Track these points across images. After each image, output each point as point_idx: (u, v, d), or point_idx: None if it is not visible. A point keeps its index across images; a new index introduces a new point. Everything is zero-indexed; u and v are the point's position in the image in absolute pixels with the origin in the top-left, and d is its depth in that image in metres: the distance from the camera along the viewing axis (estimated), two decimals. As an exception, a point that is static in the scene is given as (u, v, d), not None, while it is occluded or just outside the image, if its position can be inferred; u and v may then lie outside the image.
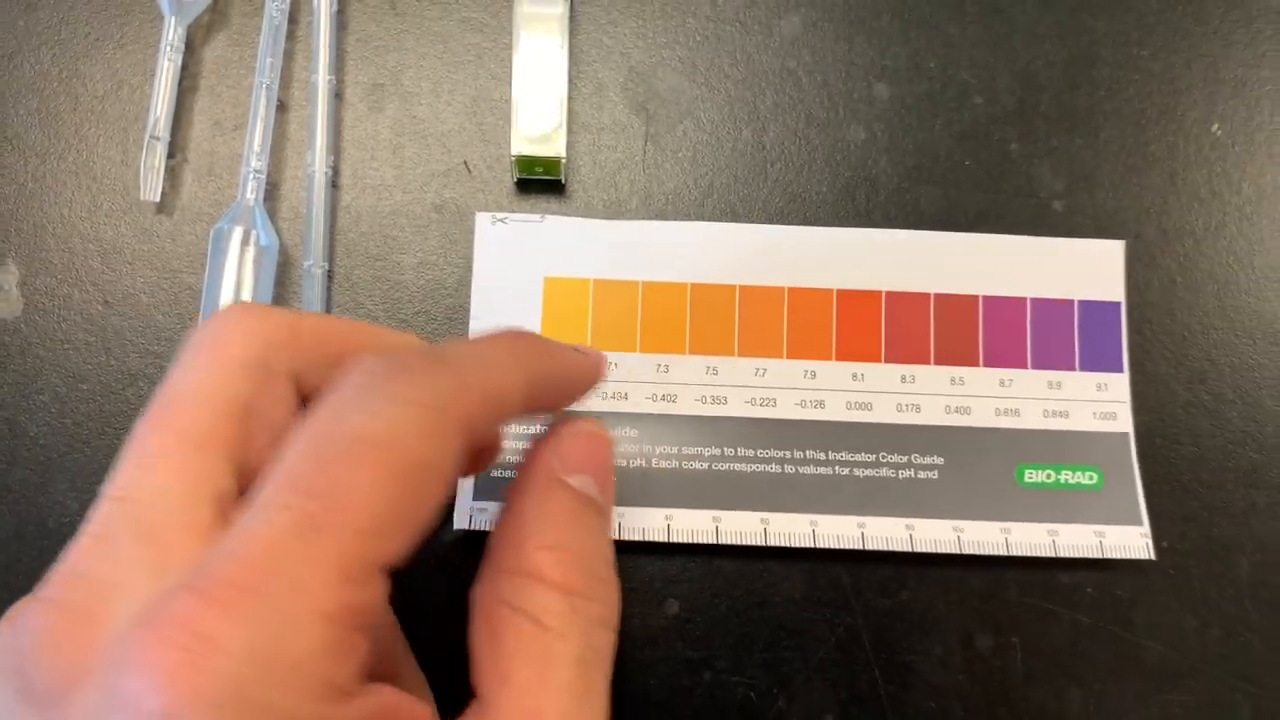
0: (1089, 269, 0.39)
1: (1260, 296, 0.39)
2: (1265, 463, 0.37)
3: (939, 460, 0.36)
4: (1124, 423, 0.37)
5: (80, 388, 0.36)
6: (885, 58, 0.40)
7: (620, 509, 0.35)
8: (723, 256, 0.38)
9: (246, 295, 0.35)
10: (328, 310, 0.37)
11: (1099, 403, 0.37)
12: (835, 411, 0.37)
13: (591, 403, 0.36)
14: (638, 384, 0.37)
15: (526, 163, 0.37)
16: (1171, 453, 0.37)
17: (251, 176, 0.36)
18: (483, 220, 0.38)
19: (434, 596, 0.35)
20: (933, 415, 0.37)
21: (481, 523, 0.35)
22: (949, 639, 0.35)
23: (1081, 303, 0.38)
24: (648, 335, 0.37)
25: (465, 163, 0.38)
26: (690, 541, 0.35)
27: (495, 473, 0.35)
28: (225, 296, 0.35)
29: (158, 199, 0.37)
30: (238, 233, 0.36)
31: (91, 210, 0.37)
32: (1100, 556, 0.36)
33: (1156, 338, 0.38)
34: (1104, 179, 0.39)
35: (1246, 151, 0.40)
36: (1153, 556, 0.35)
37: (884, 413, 0.37)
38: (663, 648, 0.35)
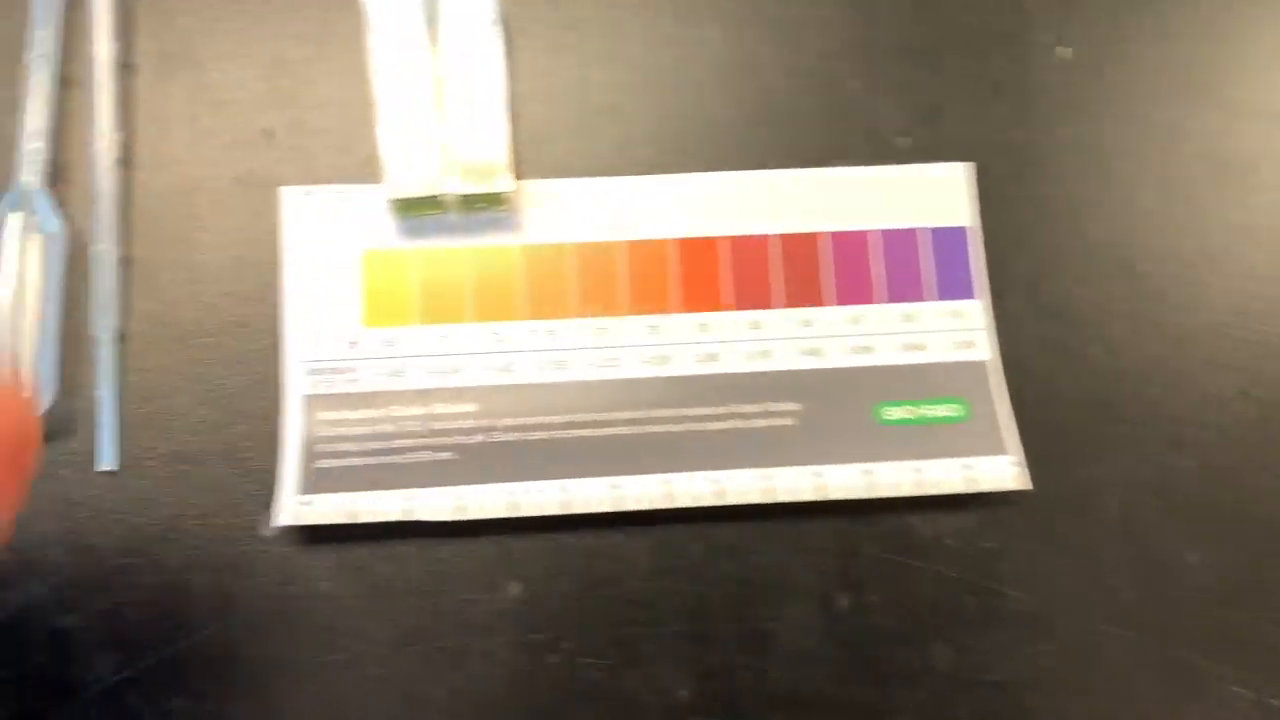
0: (935, 195, 0.37)
1: (1113, 226, 0.37)
2: (1126, 397, 0.36)
3: (795, 406, 0.35)
4: (983, 350, 0.36)
5: None
6: (723, 2, 0.38)
7: (462, 489, 0.33)
8: (552, 213, 0.36)
9: (32, 286, 0.32)
10: (125, 299, 0.34)
11: (956, 331, 0.36)
12: (683, 366, 0.35)
13: (423, 379, 0.34)
14: (472, 355, 0.34)
15: (466, 199, 0.35)
16: (1032, 389, 0.36)
17: (29, 157, 0.33)
18: (290, 194, 0.35)
19: (261, 602, 0.32)
20: (785, 360, 0.35)
21: (309, 518, 0.32)
22: (806, 602, 0.34)
23: (931, 230, 0.37)
24: (479, 303, 0.35)
25: (266, 131, 0.36)
26: (539, 514, 0.33)
27: (325, 463, 0.33)
28: (3, 290, 0.32)
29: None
30: (14, 219, 0.33)
31: None
32: (969, 491, 0.34)
33: (1013, 269, 0.37)
34: (950, 112, 0.38)
35: (1095, 75, 0.39)
36: (1029, 486, 0.34)
37: (733, 362, 0.35)
38: (505, 633, 0.33)
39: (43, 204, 0.33)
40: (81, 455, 0.33)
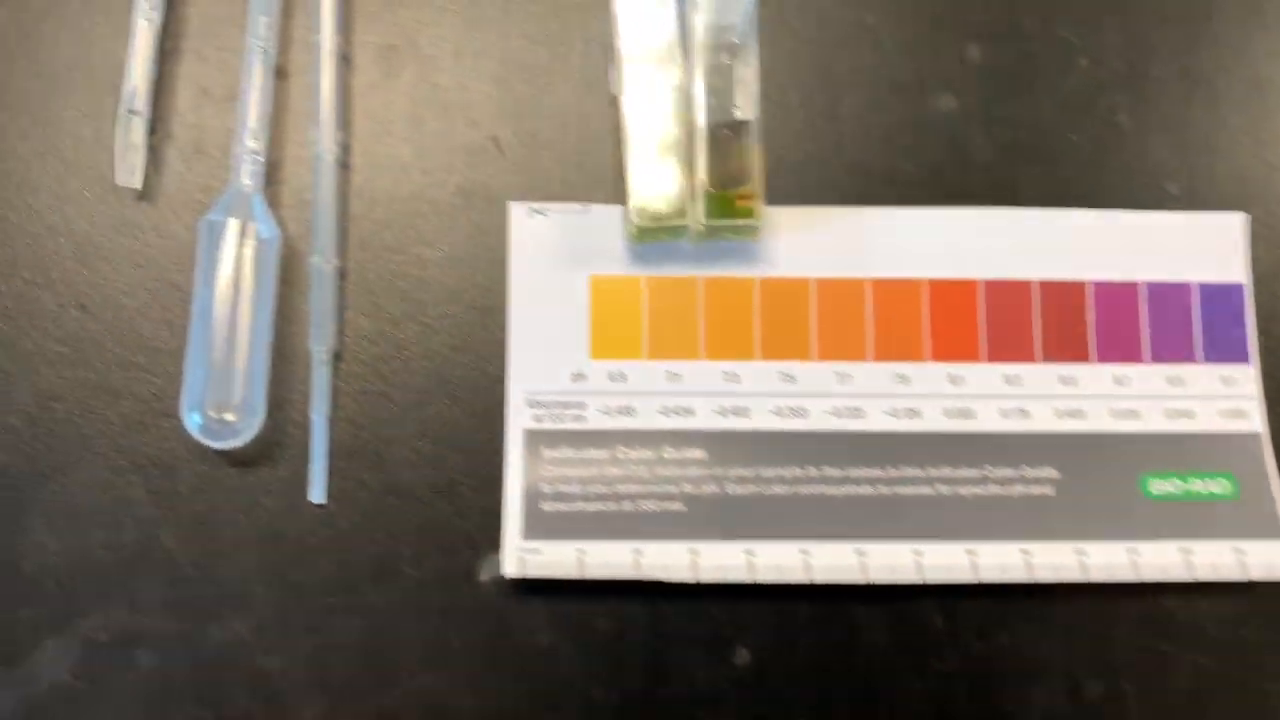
0: (1207, 247, 0.34)
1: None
2: None
3: (1053, 473, 0.32)
4: (1255, 421, 0.33)
5: (53, 407, 0.30)
6: (978, 13, 0.35)
7: (693, 544, 0.30)
8: (795, 246, 0.33)
9: (246, 298, 0.30)
10: (340, 316, 0.31)
11: (1226, 399, 0.33)
12: (932, 420, 0.32)
13: (652, 419, 0.31)
14: (704, 396, 0.32)
15: (712, 228, 0.32)
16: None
17: (247, 158, 0.31)
18: (518, 211, 0.32)
19: (477, 652, 0.30)
20: (1043, 421, 0.32)
21: (536, 568, 0.30)
22: (1054, 687, 0.31)
23: (1201, 286, 0.33)
24: (713, 339, 0.32)
25: (495, 139, 0.33)
26: (778, 582, 0.30)
27: (550, 506, 0.30)
28: (220, 300, 0.30)
29: (138, 184, 0.31)
30: (232, 225, 0.30)
31: (60, 199, 0.32)
32: (1243, 579, 0.31)
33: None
34: (1225, 152, 0.34)
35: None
36: (1304, 575, 0.31)
37: (988, 420, 0.32)
38: (732, 705, 0.30)
39: (260, 209, 0.31)
40: (289, 484, 0.30)
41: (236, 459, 0.30)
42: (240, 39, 0.32)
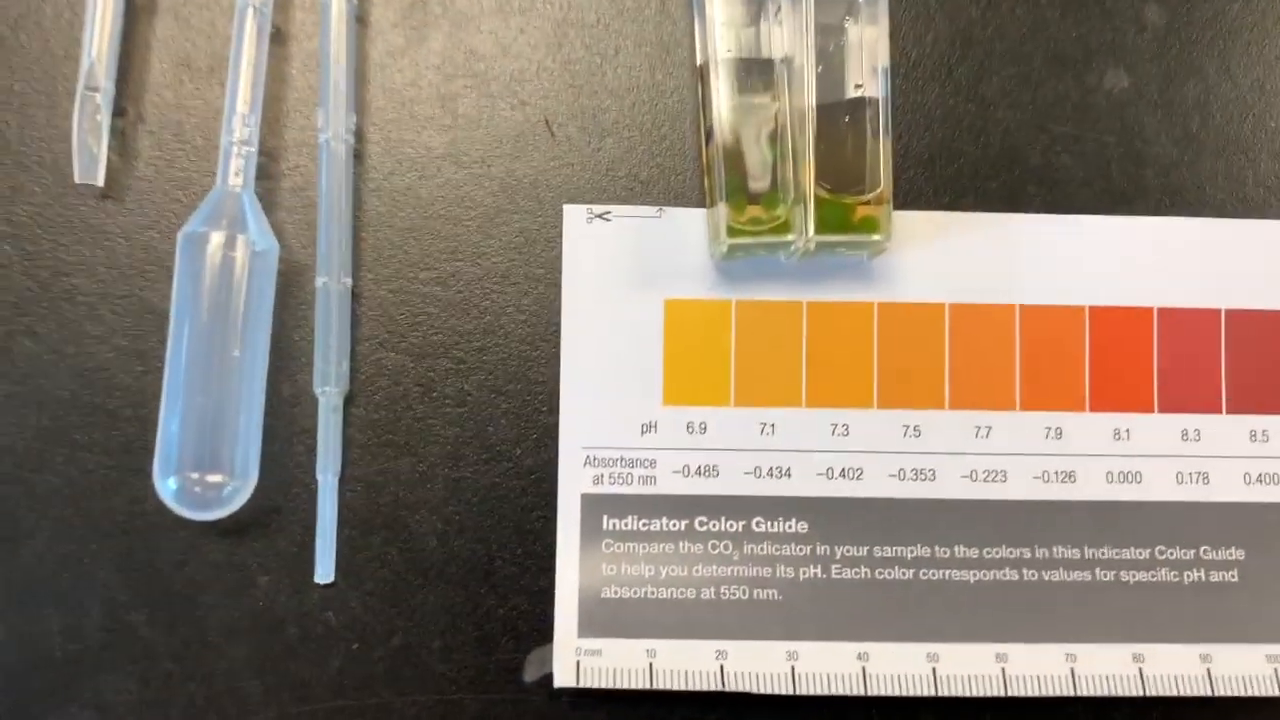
0: None
1: None
2: None
3: (1239, 554, 0.25)
4: None
5: None
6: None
7: (793, 645, 0.24)
8: (924, 262, 0.26)
9: (235, 328, 0.24)
10: (353, 349, 0.25)
11: None
12: (1092, 486, 0.26)
13: (740, 482, 0.25)
14: (806, 454, 0.25)
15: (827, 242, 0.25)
16: None
17: (236, 149, 0.24)
18: (575, 215, 0.26)
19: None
20: (1228, 487, 0.26)
21: (594, 675, 0.24)
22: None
23: None
24: (818, 381, 0.25)
25: (547, 121, 0.26)
26: (896, 694, 0.24)
27: (613, 593, 0.24)
28: (203, 331, 0.23)
29: (99, 181, 0.25)
30: (217, 239, 0.24)
31: (8, 198, 0.25)
32: None
33: None
34: None
35: None
36: None
37: (1159, 486, 0.26)
38: None
39: (252, 214, 0.24)
40: (290, 559, 0.25)
41: (226, 528, 0.25)
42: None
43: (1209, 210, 0.27)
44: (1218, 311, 0.26)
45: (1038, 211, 0.26)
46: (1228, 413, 0.26)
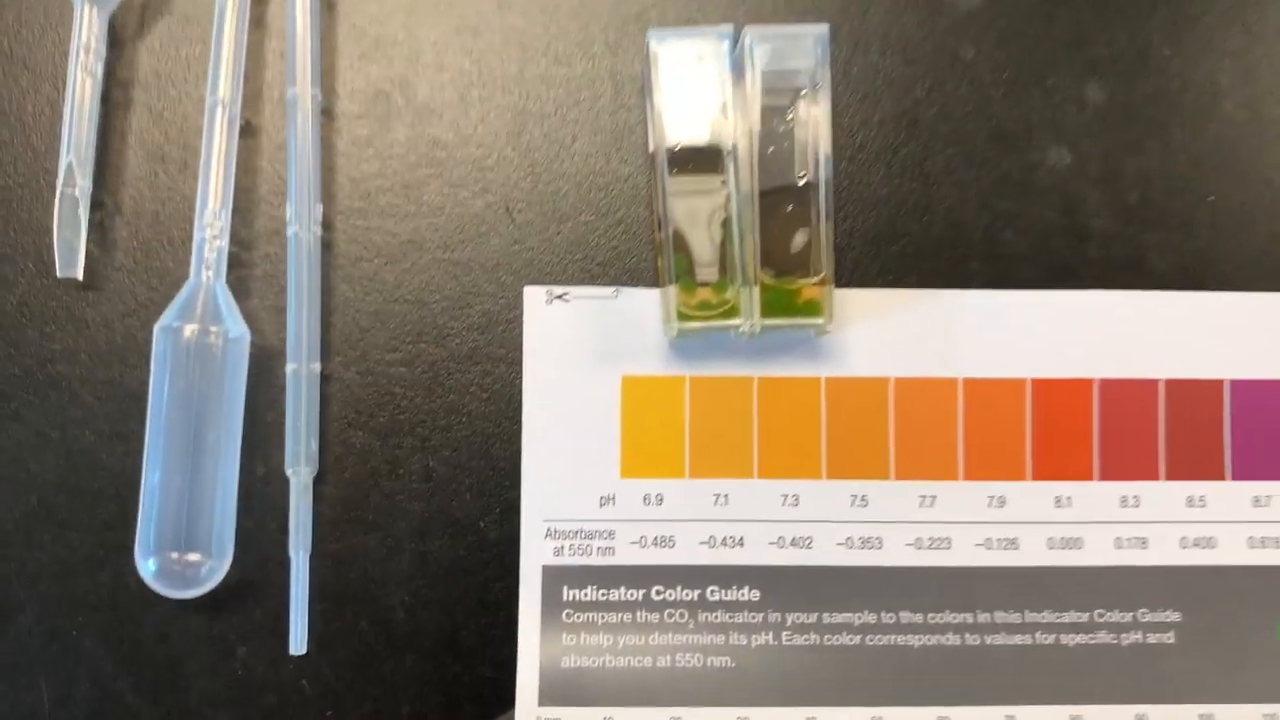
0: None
1: None
2: None
3: (1174, 616, 0.26)
4: None
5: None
6: (1100, 44, 0.28)
7: (746, 711, 0.25)
8: (870, 337, 0.27)
9: (210, 415, 0.25)
10: (323, 431, 0.26)
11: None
12: (1032, 552, 0.27)
13: (695, 552, 0.26)
14: (758, 524, 0.26)
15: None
16: None
17: (208, 245, 0.25)
18: (535, 296, 0.27)
19: None
20: (1165, 552, 0.27)
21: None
22: None
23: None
24: (769, 454, 0.26)
25: (507, 207, 0.27)
26: (845, 760, 0.25)
27: (572, 662, 0.25)
28: (179, 420, 0.25)
29: (79, 275, 0.26)
30: (190, 331, 0.25)
31: (-9, 287, 0.27)
32: None
33: None
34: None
35: None
36: None
37: (1098, 551, 0.27)
38: None
39: (225, 303, 0.26)
40: (266, 632, 0.26)
41: (206, 602, 0.26)
42: (199, 89, 0.27)
43: (1150, 283, 0.28)
44: (1156, 382, 0.27)
45: (981, 287, 0.27)
46: (1166, 479, 0.27)
